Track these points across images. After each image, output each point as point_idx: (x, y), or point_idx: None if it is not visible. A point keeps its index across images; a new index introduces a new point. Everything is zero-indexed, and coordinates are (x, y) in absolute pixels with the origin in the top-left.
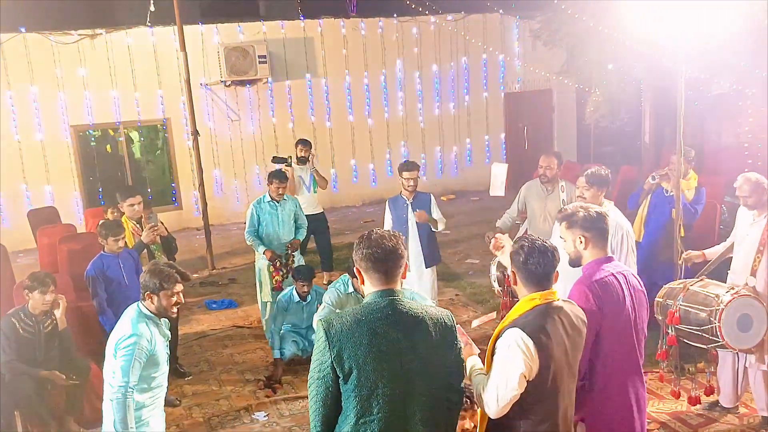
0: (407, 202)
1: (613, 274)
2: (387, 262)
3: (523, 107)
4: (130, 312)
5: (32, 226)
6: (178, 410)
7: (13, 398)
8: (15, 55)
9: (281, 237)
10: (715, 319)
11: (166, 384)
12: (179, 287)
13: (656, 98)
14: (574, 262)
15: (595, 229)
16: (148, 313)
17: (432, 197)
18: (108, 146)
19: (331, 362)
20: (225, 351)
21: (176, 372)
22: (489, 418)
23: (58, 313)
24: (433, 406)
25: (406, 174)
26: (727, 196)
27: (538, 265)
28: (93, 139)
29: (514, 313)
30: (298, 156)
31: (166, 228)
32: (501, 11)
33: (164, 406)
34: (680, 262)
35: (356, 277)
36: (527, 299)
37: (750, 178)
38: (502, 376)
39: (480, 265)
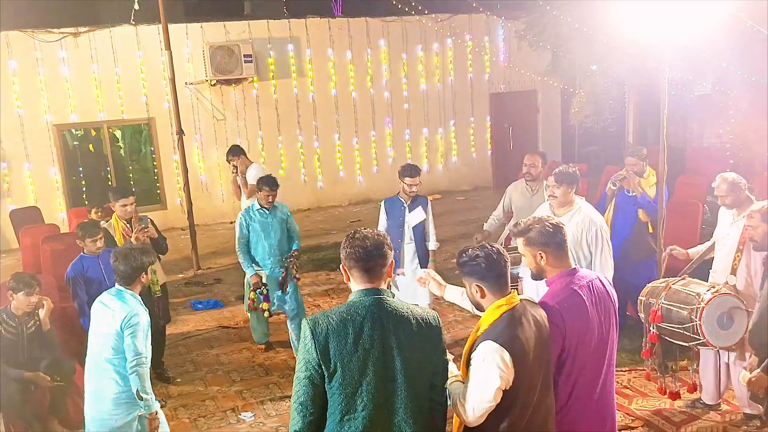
0: (404, 205)
1: (576, 289)
2: (370, 260)
3: (508, 108)
4: (120, 296)
5: (14, 226)
6: (164, 410)
7: None
8: None
9: (274, 246)
10: (696, 317)
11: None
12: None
13: (639, 99)
14: (537, 276)
15: (554, 243)
16: (135, 293)
17: (428, 201)
18: (91, 145)
19: (318, 360)
20: (211, 351)
21: (161, 377)
22: (465, 427)
23: (42, 314)
24: (416, 404)
25: (408, 180)
26: (709, 196)
27: (500, 270)
28: (76, 138)
29: (484, 322)
30: (234, 165)
31: (157, 229)
32: (487, 12)
33: None
34: (664, 256)
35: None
36: (494, 307)
37: (727, 178)
38: (479, 389)
39: None
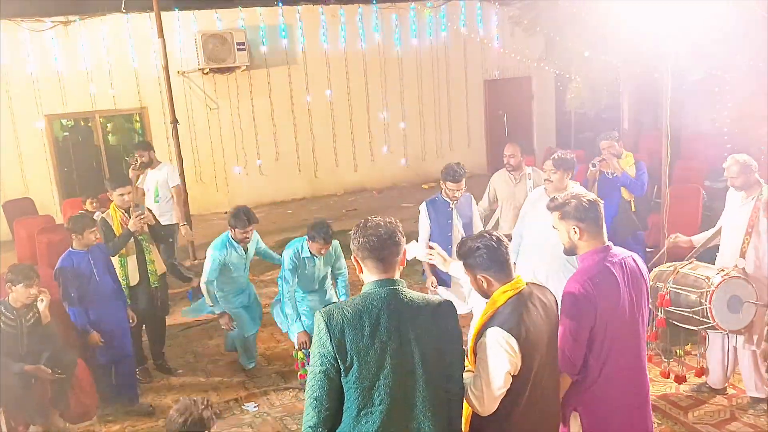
0: (451, 206)
1: (609, 266)
2: (383, 250)
3: (502, 94)
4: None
5: (8, 217)
6: (165, 401)
7: None
8: None
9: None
10: (705, 300)
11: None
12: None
13: (634, 85)
14: (569, 252)
15: (590, 218)
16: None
17: (472, 199)
18: (83, 135)
19: (334, 354)
20: (211, 342)
21: (162, 368)
22: (473, 415)
23: (42, 306)
24: (434, 396)
25: (451, 185)
26: (706, 180)
27: (502, 257)
28: (68, 128)
29: (490, 308)
30: (138, 162)
31: (154, 215)
32: (479, 0)
33: (137, 414)
34: (668, 243)
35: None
36: (499, 293)
37: (738, 159)
38: (488, 377)
39: None
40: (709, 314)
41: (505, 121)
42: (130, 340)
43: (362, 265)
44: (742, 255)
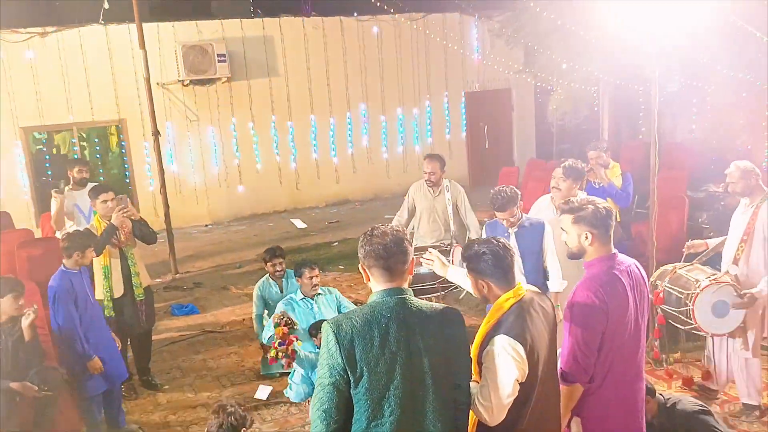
0: (508, 233)
1: (617, 274)
2: (390, 258)
3: (483, 106)
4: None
5: None
6: (153, 418)
7: None
8: None
9: None
10: (690, 302)
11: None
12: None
13: (613, 95)
14: (574, 256)
15: (603, 226)
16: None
17: (546, 227)
18: (60, 148)
19: (343, 365)
20: (197, 357)
21: (148, 384)
22: (478, 426)
23: (26, 323)
24: (444, 407)
25: (500, 214)
26: (688, 190)
27: (507, 264)
28: (44, 140)
29: (493, 316)
30: (76, 178)
31: (137, 213)
32: (459, 13)
33: None
34: (684, 251)
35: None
36: (503, 300)
37: (740, 165)
38: (497, 385)
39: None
40: (692, 316)
41: (485, 133)
42: (123, 362)
43: (369, 274)
44: (735, 262)
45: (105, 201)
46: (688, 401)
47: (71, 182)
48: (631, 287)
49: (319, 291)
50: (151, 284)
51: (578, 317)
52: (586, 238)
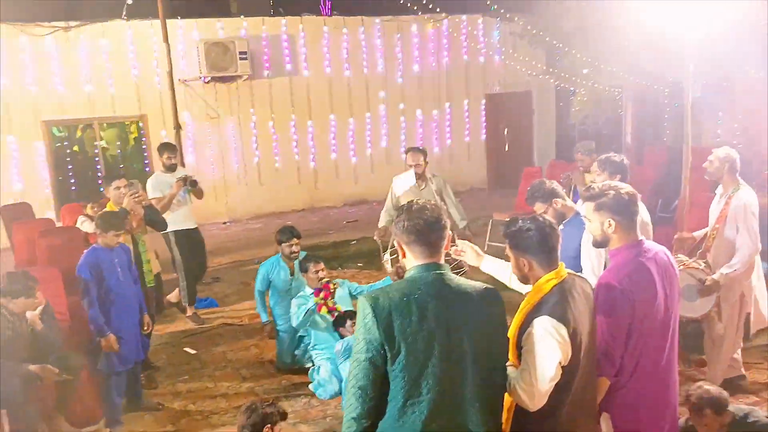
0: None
1: (644, 261)
2: (431, 233)
3: (503, 108)
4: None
5: (5, 222)
6: (176, 405)
7: None
8: None
9: None
10: None
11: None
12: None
13: (637, 98)
14: (599, 244)
15: (626, 213)
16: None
17: (581, 221)
18: (81, 143)
19: (381, 341)
20: (217, 349)
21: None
22: (516, 411)
23: (30, 315)
24: (483, 387)
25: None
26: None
27: (552, 243)
28: (65, 135)
29: (533, 297)
30: (166, 164)
31: (148, 198)
32: (482, 13)
33: (145, 409)
34: (673, 241)
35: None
36: (544, 281)
37: (719, 154)
38: (540, 369)
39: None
40: None
41: (505, 135)
42: (148, 343)
43: (406, 250)
44: (707, 249)
45: (118, 187)
46: (761, 413)
47: (162, 167)
48: (659, 275)
49: (331, 280)
50: (167, 278)
51: (603, 308)
52: (609, 225)
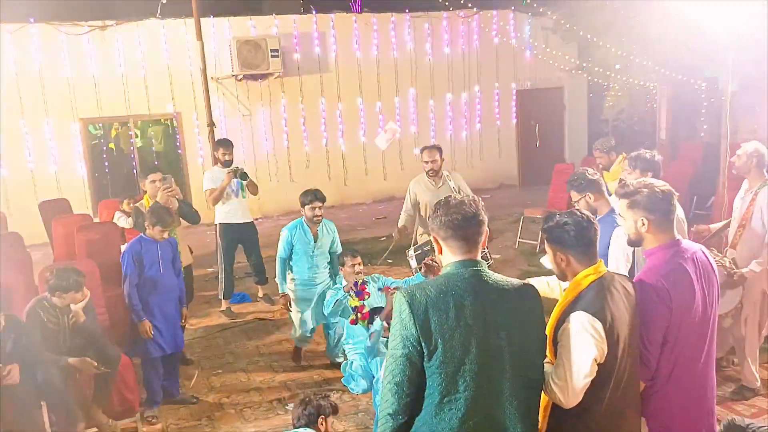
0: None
1: (681, 262)
2: (469, 228)
3: (534, 104)
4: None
5: (44, 217)
6: (210, 398)
7: (39, 388)
8: (23, 46)
9: None
10: None
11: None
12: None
13: (672, 93)
14: (634, 243)
15: (660, 211)
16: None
17: (616, 222)
18: (117, 140)
19: (417, 336)
20: (249, 343)
21: (183, 360)
22: (553, 409)
23: (75, 307)
24: (520, 384)
25: (573, 194)
26: None
27: (590, 238)
28: (101, 132)
29: (571, 293)
30: (221, 160)
31: (180, 193)
32: (513, 7)
33: (181, 402)
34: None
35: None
36: (581, 276)
37: (747, 149)
38: (575, 364)
39: (500, 261)
40: None
41: (536, 132)
42: (182, 338)
43: (442, 245)
44: (733, 246)
45: (153, 181)
46: None
47: (217, 163)
48: (697, 276)
49: (365, 279)
50: (198, 274)
51: (639, 311)
52: (643, 224)
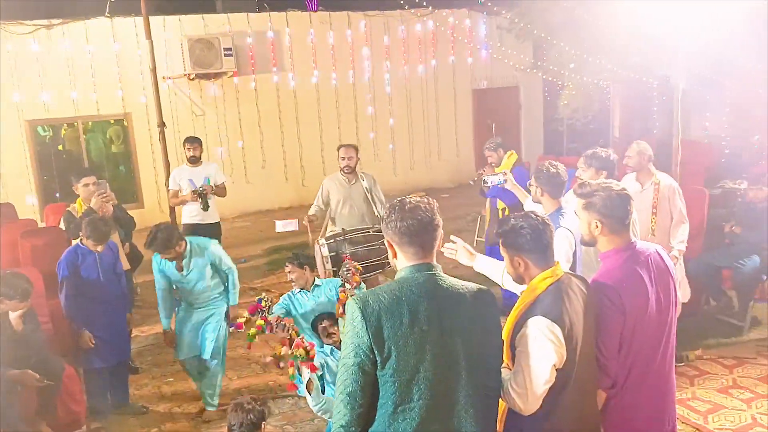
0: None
1: (635, 268)
2: (425, 234)
3: (490, 104)
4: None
5: None
6: (161, 408)
7: None
8: None
9: None
10: None
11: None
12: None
13: (625, 92)
14: (588, 244)
15: (616, 215)
16: None
17: (558, 218)
18: (64, 142)
19: (370, 344)
20: None
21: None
22: (508, 415)
23: (12, 315)
24: (477, 391)
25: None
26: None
27: (546, 241)
28: (48, 134)
29: (528, 296)
30: (188, 156)
31: (115, 199)
32: (468, 9)
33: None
34: None
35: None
36: (539, 279)
37: (638, 146)
38: (534, 371)
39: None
40: None
41: (493, 131)
42: (129, 346)
43: (397, 250)
44: (653, 233)
45: (87, 185)
46: None
47: (185, 159)
48: (651, 280)
49: (317, 283)
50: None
51: (594, 316)
52: (596, 226)
